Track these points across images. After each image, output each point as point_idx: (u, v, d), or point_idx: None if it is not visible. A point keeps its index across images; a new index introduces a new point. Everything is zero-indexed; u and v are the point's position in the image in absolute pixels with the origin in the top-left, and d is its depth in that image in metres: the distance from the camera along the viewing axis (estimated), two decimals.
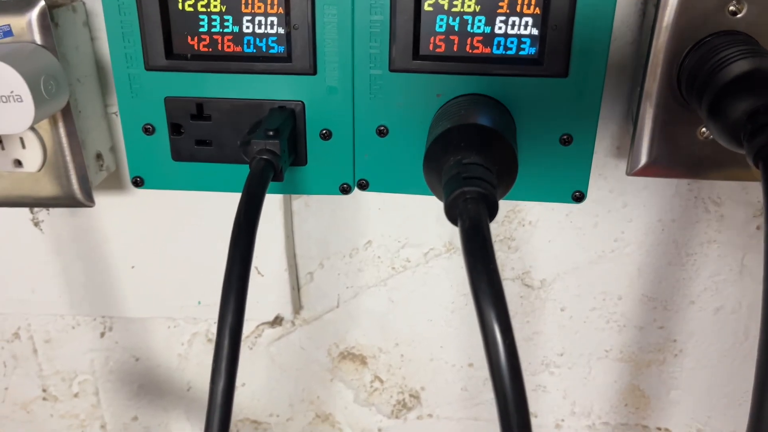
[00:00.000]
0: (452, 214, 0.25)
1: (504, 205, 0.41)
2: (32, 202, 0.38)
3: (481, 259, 0.23)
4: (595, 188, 0.39)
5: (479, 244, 0.23)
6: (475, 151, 0.26)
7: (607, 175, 0.39)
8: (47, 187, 0.37)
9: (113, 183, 0.41)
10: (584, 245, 0.41)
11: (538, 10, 0.29)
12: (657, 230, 0.40)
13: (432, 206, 0.41)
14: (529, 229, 0.41)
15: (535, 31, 0.29)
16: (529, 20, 0.29)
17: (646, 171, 0.35)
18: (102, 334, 0.48)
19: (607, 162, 0.39)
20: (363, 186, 0.33)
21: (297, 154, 0.33)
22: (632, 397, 0.46)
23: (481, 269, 0.23)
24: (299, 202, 0.42)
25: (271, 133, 0.29)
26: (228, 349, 0.27)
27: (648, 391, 0.46)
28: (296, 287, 0.45)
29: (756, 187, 0.38)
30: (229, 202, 0.36)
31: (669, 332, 0.43)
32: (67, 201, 0.37)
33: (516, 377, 0.23)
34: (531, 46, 0.29)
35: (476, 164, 0.25)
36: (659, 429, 0.47)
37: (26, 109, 0.31)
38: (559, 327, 0.44)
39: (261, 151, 0.29)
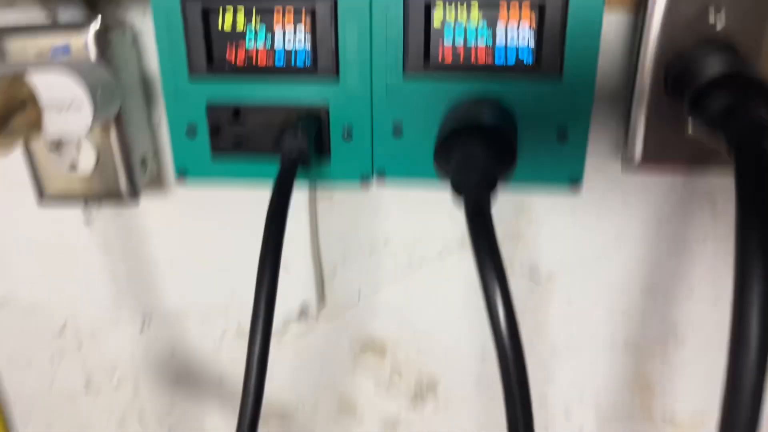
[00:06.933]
0: (458, 191, 0.28)
1: (511, 202, 0.44)
2: (84, 200, 0.42)
3: (482, 229, 0.27)
4: (595, 185, 0.42)
5: (482, 220, 0.27)
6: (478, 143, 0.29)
7: (606, 172, 0.42)
8: (98, 187, 0.41)
9: (155, 186, 0.45)
10: (588, 240, 0.44)
11: (533, 24, 0.32)
12: (656, 225, 0.43)
13: (445, 206, 0.44)
14: (535, 227, 0.44)
15: (531, 42, 0.33)
16: (526, 32, 0.33)
17: (640, 169, 0.38)
18: (141, 329, 0.51)
19: (607, 161, 0.42)
20: (381, 174, 0.37)
21: (322, 150, 0.37)
22: (637, 386, 0.48)
23: (482, 237, 0.26)
24: (324, 205, 0.45)
25: (299, 132, 0.33)
26: (260, 341, 0.30)
27: (653, 381, 0.48)
28: (320, 283, 0.48)
29: None
30: (262, 202, 0.40)
31: (671, 322, 0.46)
32: (115, 199, 0.41)
33: (514, 335, 0.26)
34: (529, 54, 0.33)
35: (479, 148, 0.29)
36: (665, 417, 0.49)
37: (85, 116, 0.36)
38: (566, 319, 0.47)
39: (291, 150, 0.33)
